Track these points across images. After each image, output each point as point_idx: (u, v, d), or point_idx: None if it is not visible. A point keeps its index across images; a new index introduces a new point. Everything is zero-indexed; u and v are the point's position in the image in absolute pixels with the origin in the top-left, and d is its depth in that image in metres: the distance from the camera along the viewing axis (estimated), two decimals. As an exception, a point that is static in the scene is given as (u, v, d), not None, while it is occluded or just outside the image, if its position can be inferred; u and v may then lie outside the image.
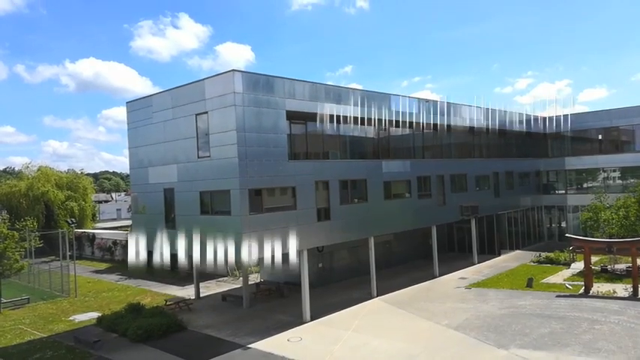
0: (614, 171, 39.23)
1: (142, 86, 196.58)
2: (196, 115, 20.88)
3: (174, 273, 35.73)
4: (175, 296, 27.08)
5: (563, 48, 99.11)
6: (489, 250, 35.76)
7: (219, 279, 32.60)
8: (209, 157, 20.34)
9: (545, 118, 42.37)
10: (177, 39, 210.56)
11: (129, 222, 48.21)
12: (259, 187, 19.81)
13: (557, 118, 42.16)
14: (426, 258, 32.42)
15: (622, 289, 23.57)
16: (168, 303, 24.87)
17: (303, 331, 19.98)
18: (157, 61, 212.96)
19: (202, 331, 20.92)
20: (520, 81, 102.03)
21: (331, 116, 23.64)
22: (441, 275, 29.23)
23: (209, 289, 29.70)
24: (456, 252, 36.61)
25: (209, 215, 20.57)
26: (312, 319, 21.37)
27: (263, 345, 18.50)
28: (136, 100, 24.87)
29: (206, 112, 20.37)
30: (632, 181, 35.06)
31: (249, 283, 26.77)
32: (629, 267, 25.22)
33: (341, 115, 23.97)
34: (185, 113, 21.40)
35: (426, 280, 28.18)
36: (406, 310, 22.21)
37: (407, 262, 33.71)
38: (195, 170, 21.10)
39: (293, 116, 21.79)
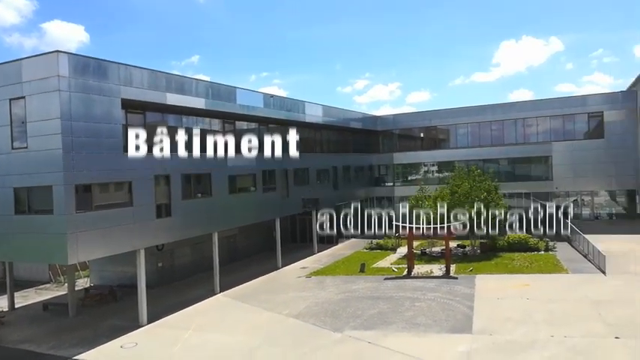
0: (433, 165, 44.71)
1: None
2: (10, 99, 18.17)
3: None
4: (-17, 309, 23.30)
5: (396, 54, 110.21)
6: (328, 240, 37.85)
7: (40, 286, 28.95)
8: (26, 148, 17.90)
9: (377, 117, 46.37)
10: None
11: None
12: (88, 182, 18.11)
13: (388, 117, 46.56)
14: (271, 250, 33.07)
15: (437, 269, 27.03)
16: (-27, 318, 21.28)
17: (139, 336, 18.83)
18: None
19: (18, 347, 18.39)
20: (359, 82, 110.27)
21: (174, 107, 22.65)
22: (283, 266, 30.13)
23: (27, 298, 26.22)
24: (299, 243, 38.05)
25: (26, 215, 18.15)
26: (150, 321, 20.27)
27: (92, 355, 17.00)
28: None
29: (23, 97, 17.86)
30: (447, 174, 40.27)
31: (77, 288, 24.34)
32: (443, 250, 29.06)
33: (185, 106, 23.12)
34: (-5, 97, 18.44)
35: (269, 272, 28.77)
36: (249, 303, 22.42)
37: (252, 255, 34.01)
38: (9, 163, 18.40)
39: (130, 105, 20.41)
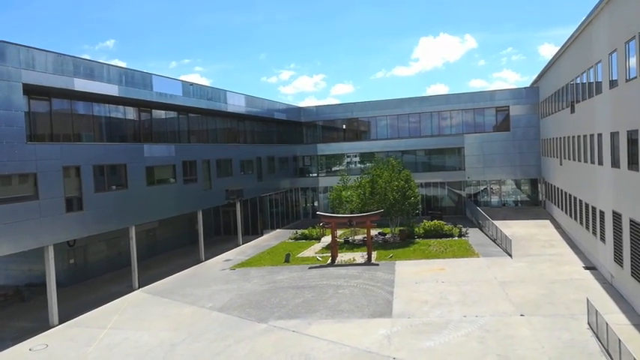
0: (355, 156, 45.73)
1: None
2: None
3: None
4: None
5: (320, 46, 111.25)
6: (253, 231, 37.67)
7: None
8: None
9: (300, 108, 46.51)
10: None
11: None
12: (-14, 174, 16.51)
13: (311, 108, 46.86)
14: (193, 243, 32.27)
15: (360, 256, 27.77)
16: None
17: (49, 337, 17.62)
18: None
19: None
20: (284, 72, 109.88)
21: (83, 93, 21.22)
22: (206, 259, 29.47)
23: None
24: (223, 235, 37.46)
25: None
26: (62, 321, 19.05)
27: (-5, 361, 15.66)
28: None
29: None
30: (368, 164, 41.40)
31: (-24, 289, 22.20)
32: (365, 237, 29.89)
33: (95, 92, 21.76)
34: None
35: (191, 266, 28.02)
36: (170, 298, 21.71)
37: (173, 249, 32.93)
38: None
39: (33, 91, 18.91)
